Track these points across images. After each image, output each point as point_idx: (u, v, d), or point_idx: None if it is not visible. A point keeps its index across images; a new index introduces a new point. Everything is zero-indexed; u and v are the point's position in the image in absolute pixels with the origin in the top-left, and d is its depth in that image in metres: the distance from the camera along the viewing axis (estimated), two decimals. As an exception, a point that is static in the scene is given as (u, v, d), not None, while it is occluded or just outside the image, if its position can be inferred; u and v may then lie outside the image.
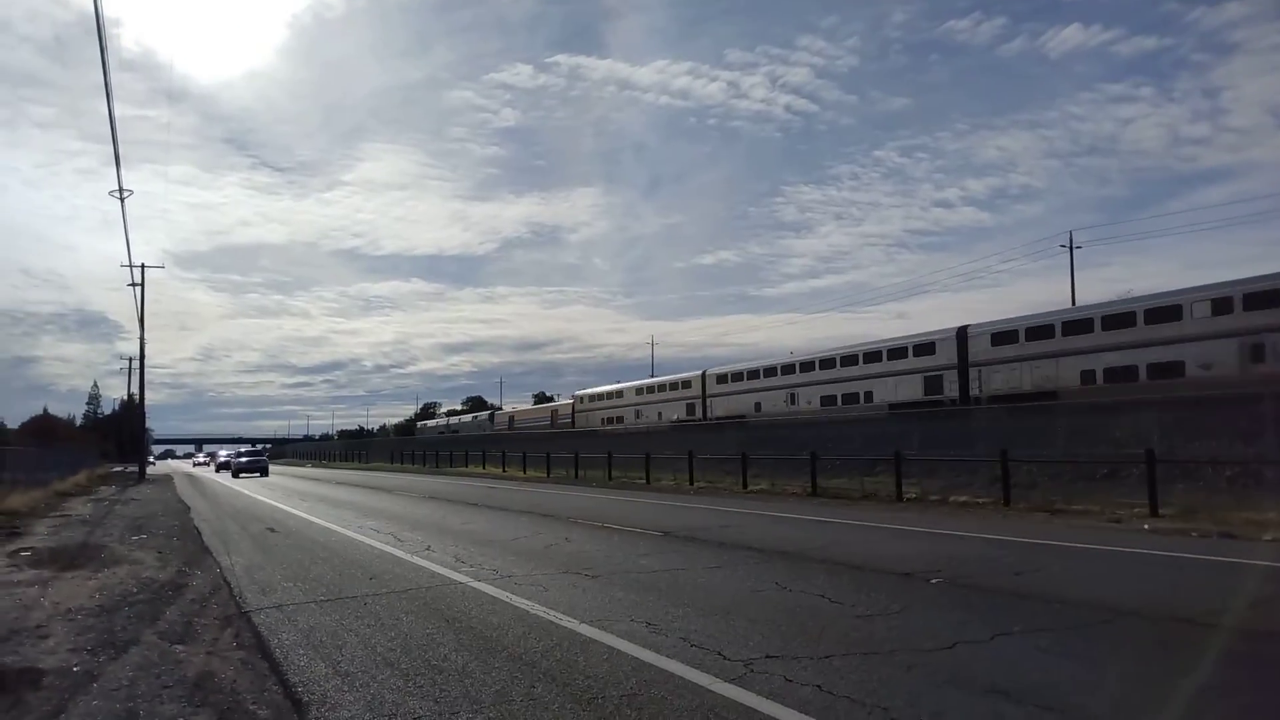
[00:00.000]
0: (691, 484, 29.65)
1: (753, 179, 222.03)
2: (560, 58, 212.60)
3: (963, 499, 20.25)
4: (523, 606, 8.62)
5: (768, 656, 6.41)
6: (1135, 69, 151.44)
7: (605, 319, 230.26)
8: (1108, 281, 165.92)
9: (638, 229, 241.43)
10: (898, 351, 41.93)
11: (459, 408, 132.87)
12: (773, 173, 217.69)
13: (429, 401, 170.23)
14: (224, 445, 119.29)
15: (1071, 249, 57.77)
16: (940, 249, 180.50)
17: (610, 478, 35.27)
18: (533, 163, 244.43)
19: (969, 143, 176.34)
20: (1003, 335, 36.62)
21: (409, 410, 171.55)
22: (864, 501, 21.54)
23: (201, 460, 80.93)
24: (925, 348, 40.22)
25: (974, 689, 5.59)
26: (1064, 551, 11.93)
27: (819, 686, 5.62)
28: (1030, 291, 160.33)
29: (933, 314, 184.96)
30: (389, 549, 13.74)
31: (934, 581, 9.65)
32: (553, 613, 8.24)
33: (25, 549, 14.84)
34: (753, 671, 6.02)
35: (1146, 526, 14.34)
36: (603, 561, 11.73)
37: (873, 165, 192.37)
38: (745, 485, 27.31)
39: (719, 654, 6.52)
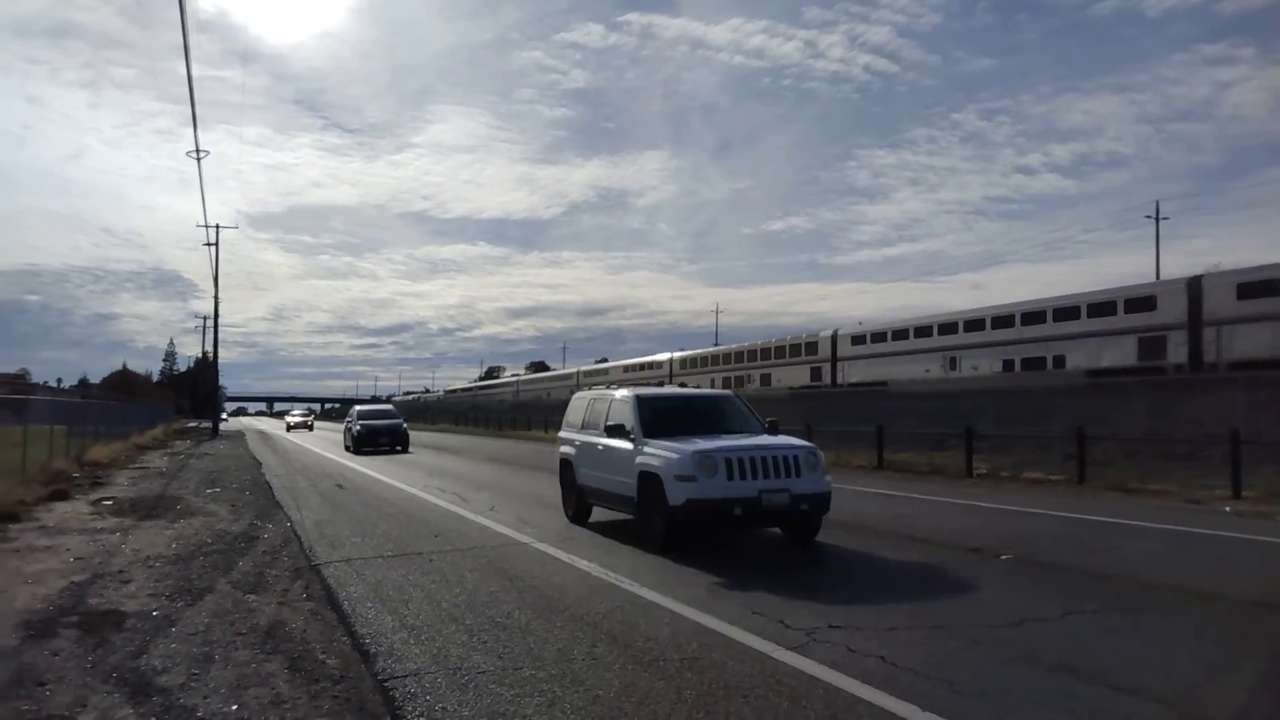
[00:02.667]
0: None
1: (825, 142, 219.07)
2: (632, 16, 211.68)
3: (1035, 475, 19.77)
4: (584, 568, 8.68)
5: (830, 626, 6.35)
6: (1236, 28, 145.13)
7: (669, 285, 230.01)
8: (1194, 255, 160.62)
9: (705, 193, 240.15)
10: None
11: (522, 372, 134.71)
12: (846, 136, 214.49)
13: (493, 365, 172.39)
14: (296, 404, 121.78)
15: (1158, 220, 55.76)
16: (1020, 217, 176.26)
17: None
18: (601, 125, 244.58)
19: (1054, 106, 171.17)
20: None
21: (474, 373, 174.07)
22: (932, 476, 21.17)
23: (299, 418, 68.33)
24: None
25: (1042, 666, 5.47)
26: (1139, 531, 11.60)
27: (882, 658, 5.55)
28: (1114, 263, 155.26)
29: (1011, 285, 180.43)
30: (454, 508, 13.95)
31: (1003, 558, 9.45)
32: (614, 575, 8.27)
33: (107, 499, 15.41)
34: (815, 640, 5.97)
35: (1228, 509, 13.84)
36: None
37: (951, 129, 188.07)
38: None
39: (780, 622, 6.48)
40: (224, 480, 19.59)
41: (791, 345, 52.83)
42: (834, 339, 49.32)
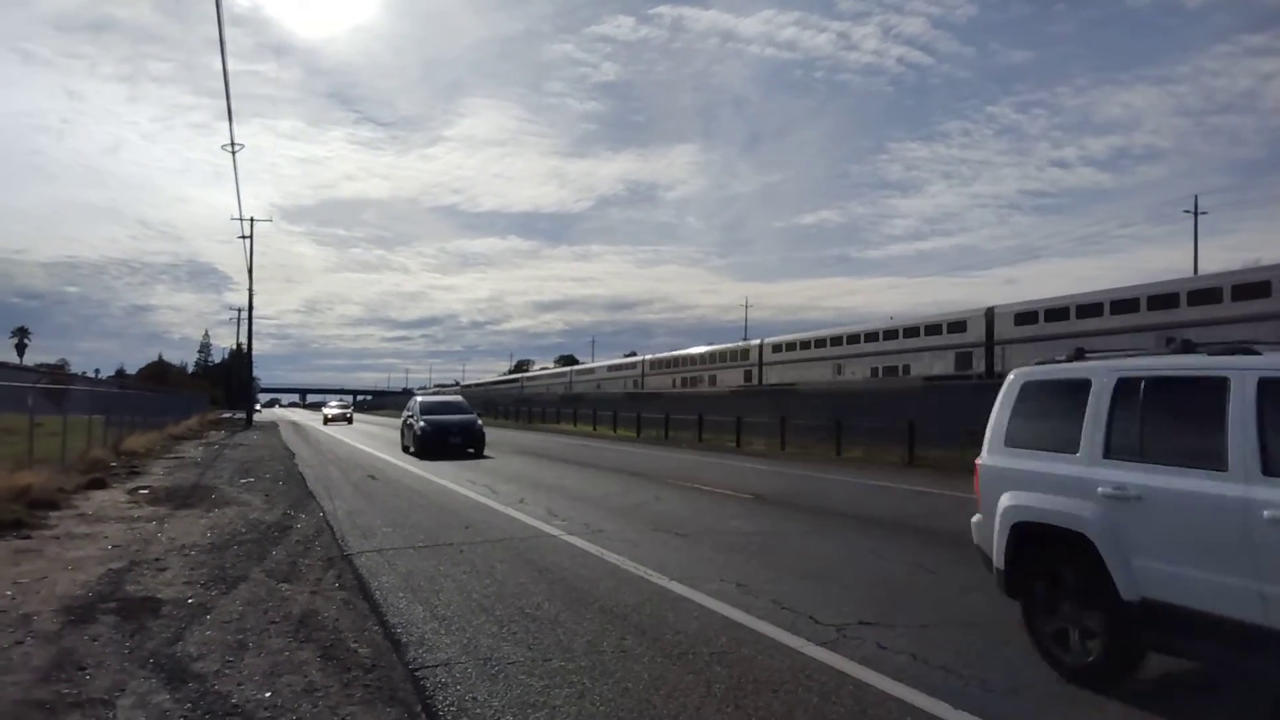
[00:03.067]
0: (783, 449, 29.40)
1: (857, 135, 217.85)
2: (663, 9, 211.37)
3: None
4: (613, 561, 8.70)
5: (861, 623, 6.32)
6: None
7: (698, 279, 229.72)
8: (1234, 249, 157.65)
9: (735, 187, 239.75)
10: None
11: (550, 365, 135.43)
12: (879, 129, 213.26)
13: (522, 359, 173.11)
14: (332, 396, 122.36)
15: (1196, 214, 54.70)
16: (1055, 211, 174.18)
17: (700, 439, 35.29)
18: (631, 118, 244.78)
19: (1090, 99, 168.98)
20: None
21: (503, 366, 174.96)
22: (964, 474, 21.04)
23: (337, 411, 65.42)
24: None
25: (1077, 666, 5.40)
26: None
27: (913, 655, 5.51)
28: (1151, 258, 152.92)
29: (1046, 280, 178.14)
30: (484, 500, 14.03)
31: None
32: (643, 569, 8.28)
33: (144, 488, 15.66)
34: (845, 637, 5.95)
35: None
36: (692, 521, 11.75)
37: (986, 122, 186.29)
38: (839, 452, 26.94)
39: (810, 618, 6.46)
40: (258, 470, 19.84)
41: (730, 352, 61.32)
42: (760, 348, 57.34)
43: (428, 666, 5.30)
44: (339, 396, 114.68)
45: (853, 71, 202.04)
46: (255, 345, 73.30)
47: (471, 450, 25.06)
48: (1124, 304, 33.61)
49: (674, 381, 64.72)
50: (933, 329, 43.01)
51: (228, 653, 5.56)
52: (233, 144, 26.37)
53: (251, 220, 55.50)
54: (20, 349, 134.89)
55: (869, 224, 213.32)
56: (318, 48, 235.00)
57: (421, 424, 25.07)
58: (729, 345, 62.45)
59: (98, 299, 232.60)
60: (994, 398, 6.33)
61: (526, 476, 18.59)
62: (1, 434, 16.46)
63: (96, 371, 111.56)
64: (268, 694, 4.79)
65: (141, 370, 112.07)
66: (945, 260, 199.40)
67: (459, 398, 32.30)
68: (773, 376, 53.36)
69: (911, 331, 44.93)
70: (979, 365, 38.58)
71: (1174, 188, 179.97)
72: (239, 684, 4.96)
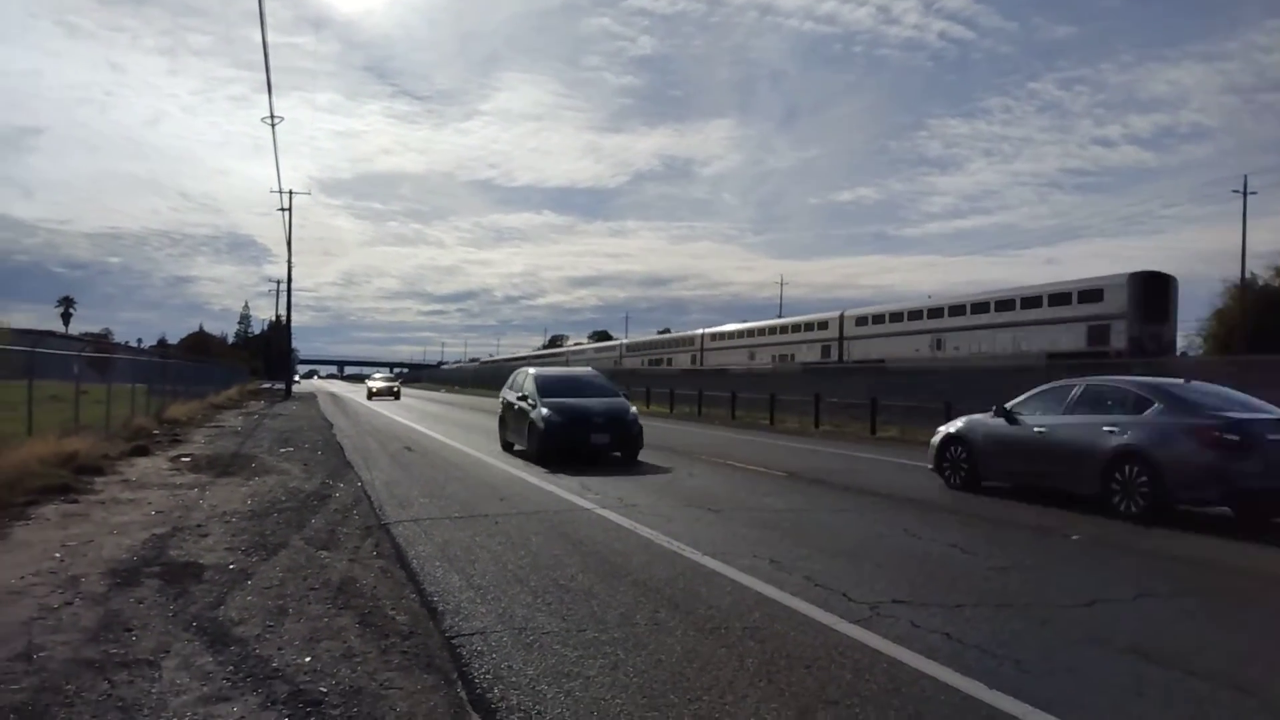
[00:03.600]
0: (817, 427, 29.33)
1: (896, 111, 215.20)
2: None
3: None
4: (646, 535, 8.74)
5: (894, 601, 6.30)
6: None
7: (733, 256, 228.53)
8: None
9: (771, 163, 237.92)
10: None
11: (584, 340, 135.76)
12: (918, 104, 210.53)
13: (556, 334, 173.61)
14: (369, 367, 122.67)
15: (1245, 194, 53.44)
16: (1097, 190, 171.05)
17: (734, 417, 35.28)
18: (668, 93, 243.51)
19: (1135, 75, 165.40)
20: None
21: (537, 341, 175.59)
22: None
23: (382, 384, 58.04)
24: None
25: (1112, 648, 5.36)
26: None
27: (947, 634, 5.49)
28: (1196, 239, 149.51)
29: (1086, 260, 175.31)
30: (518, 472, 14.14)
31: (1074, 538, 9.28)
32: (675, 543, 8.31)
33: (185, 455, 15.96)
34: (878, 615, 5.94)
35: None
36: (726, 497, 11.77)
37: (1028, 98, 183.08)
38: (874, 431, 26.82)
39: (844, 595, 6.45)
40: (296, 440, 20.14)
41: (676, 340, 74.49)
42: (702, 338, 69.60)
43: (464, 635, 5.37)
44: (382, 368, 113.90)
45: (893, 46, 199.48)
46: (294, 317, 74.69)
47: (619, 454, 16.49)
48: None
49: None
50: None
51: (268, 618, 5.67)
52: (272, 116, 26.71)
53: (290, 193, 56.08)
54: (65, 318, 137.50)
55: (907, 201, 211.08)
56: (355, 20, 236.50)
57: (543, 412, 16.22)
58: (673, 334, 71.86)
59: (139, 269, 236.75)
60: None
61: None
62: (49, 401, 16.84)
63: (139, 341, 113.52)
64: (307, 659, 4.89)
65: (183, 340, 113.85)
66: (984, 239, 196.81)
67: (593, 371, 21.31)
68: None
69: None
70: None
71: (1221, 167, 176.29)
72: (279, 648, 5.06)
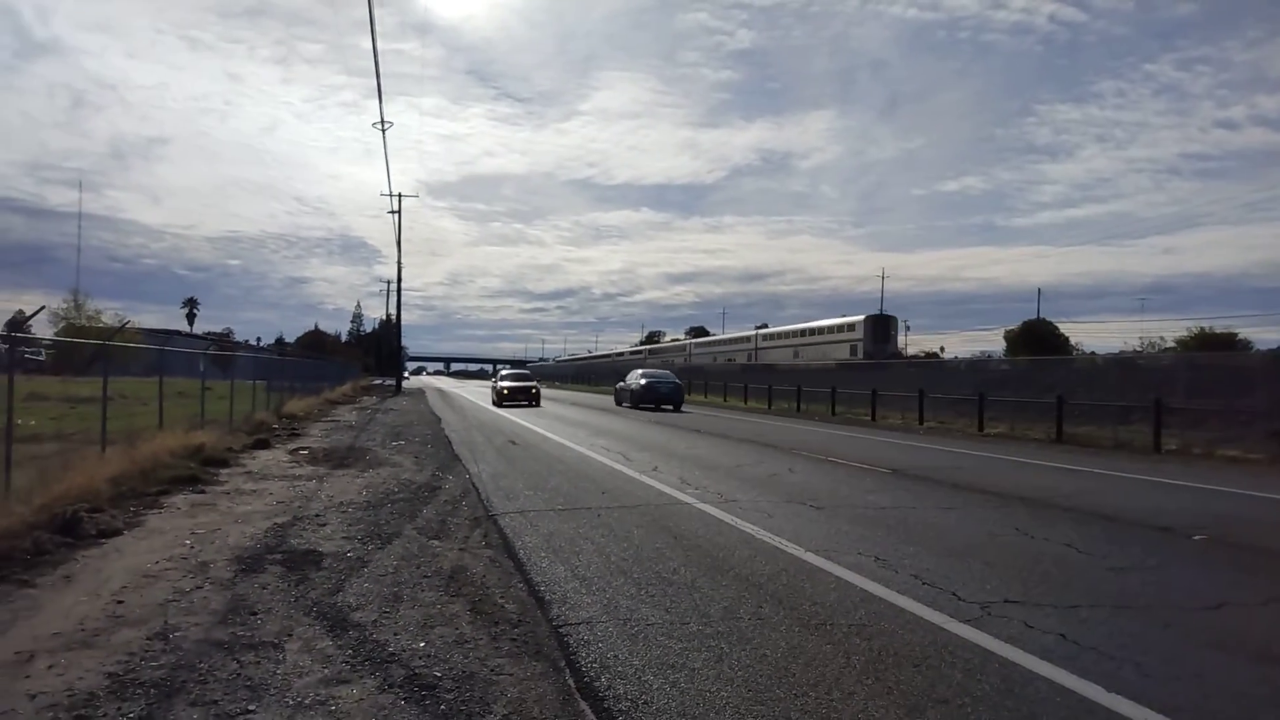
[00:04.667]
0: (921, 423, 28.71)
1: (1003, 97, 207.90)
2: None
3: (1232, 453, 18.41)
4: (748, 530, 8.71)
5: (1006, 601, 6.14)
6: None
7: (832, 250, 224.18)
8: None
9: (872, 154, 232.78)
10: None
11: (682, 336, 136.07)
12: (1026, 90, 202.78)
13: (653, 330, 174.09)
14: (502, 364, 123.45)
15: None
16: (1219, 176, 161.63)
17: (834, 413, 34.81)
18: (765, 85, 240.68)
19: (1263, 53, 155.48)
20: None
21: (634, 337, 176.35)
22: (1116, 451, 20.06)
23: (514, 384, 40.87)
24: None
25: (1241, 654, 5.10)
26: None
27: (1063, 635, 5.32)
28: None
29: (1207, 249, 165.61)
30: (619, 467, 14.27)
31: (1197, 538, 8.86)
32: (778, 539, 8.26)
33: (303, 448, 16.64)
34: (990, 615, 5.79)
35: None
36: (828, 494, 11.63)
37: (1143, 80, 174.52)
38: (981, 428, 26.10)
39: (953, 594, 6.31)
40: (407, 434, 20.77)
41: (734, 339, 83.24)
42: (755, 337, 77.53)
43: (570, 624, 5.47)
44: (503, 364, 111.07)
45: (1000, 31, 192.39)
46: (403, 316, 76.48)
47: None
48: None
49: (795, 354, 72.41)
50: (838, 329, 57.85)
51: (384, 604, 5.88)
52: (382, 121, 27.57)
53: (399, 196, 57.81)
54: (190, 318, 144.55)
55: (1016, 190, 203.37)
56: (457, 25, 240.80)
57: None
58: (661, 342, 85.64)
59: (258, 271, 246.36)
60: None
61: (659, 445, 18.78)
62: (177, 397, 17.78)
63: (258, 340, 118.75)
64: (421, 644, 5.05)
65: (299, 339, 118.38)
66: (1098, 228, 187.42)
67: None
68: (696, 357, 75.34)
69: (734, 341, 66.19)
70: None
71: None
72: (395, 634, 5.24)
